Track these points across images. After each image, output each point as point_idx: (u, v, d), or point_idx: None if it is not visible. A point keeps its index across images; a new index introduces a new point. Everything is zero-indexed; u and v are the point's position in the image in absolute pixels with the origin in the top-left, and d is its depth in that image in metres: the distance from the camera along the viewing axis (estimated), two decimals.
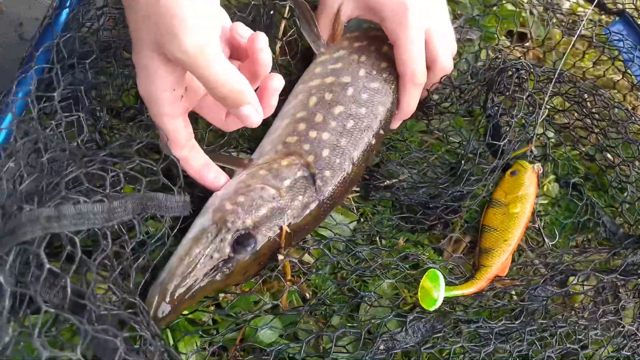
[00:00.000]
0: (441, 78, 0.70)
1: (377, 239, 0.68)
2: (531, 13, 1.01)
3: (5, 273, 0.39)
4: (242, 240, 0.55)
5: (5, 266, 0.39)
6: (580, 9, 0.99)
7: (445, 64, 0.69)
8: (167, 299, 0.51)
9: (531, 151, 0.73)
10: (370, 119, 0.65)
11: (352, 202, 0.70)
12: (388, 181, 0.71)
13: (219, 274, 0.55)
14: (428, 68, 0.67)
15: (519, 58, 0.85)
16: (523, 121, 0.73)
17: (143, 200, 0.49)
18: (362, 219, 0.69)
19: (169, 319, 0.52)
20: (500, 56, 0.84)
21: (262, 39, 0.52)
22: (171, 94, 0.52)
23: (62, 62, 0.55)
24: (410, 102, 0.68)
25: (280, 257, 0.58)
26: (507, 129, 0.71)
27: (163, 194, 0.51)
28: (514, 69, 0.72)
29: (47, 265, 0.39)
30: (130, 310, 0.44)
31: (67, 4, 0.59)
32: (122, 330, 0.42)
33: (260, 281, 0.59)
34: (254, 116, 0.52)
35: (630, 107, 0.91)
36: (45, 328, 0.42)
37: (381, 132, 0.67)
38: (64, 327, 0.48)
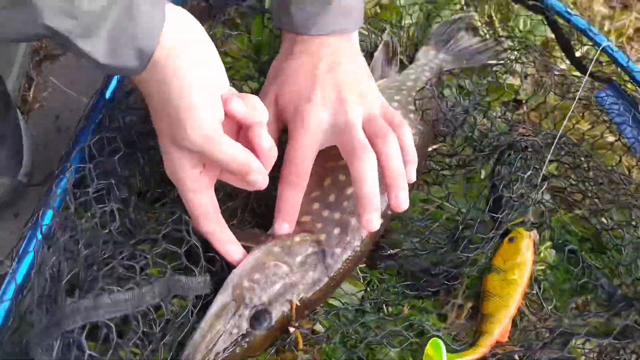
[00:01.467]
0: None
1: (384, 306, 0.72)
2: (525, 77, 1.07)
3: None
4: (258, 316, 0.60)
5: (53, 353, 0.45)
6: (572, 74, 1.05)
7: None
8: None
9: (528, 219, 0.78)
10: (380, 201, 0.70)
11: (359, 272, 0.75)
12: (391, 250, 0.76)
13: (238, 348, 0.59)
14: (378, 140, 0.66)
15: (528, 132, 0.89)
16: (522, 191, 0.78)
17: (169, 284, 0.54)
18: (368, 288, 0.74)
19: None
20: (511, 127, 0.90)
21: (264, 138, 0.59)
22: (191, 172, 0.59)
23: (93, 160, 0.62)
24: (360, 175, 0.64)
25: (292, 329, 0.63)
26: (507, 200, 0.76)
27: (185, 277, 0.57)
28: (521, 147, 0.77)
29: (88, 352, 0.45)
30: None
31: (101, 105, 0.67)
32: None
33: (274, 352, 0.64)
34: (261, 182, 0.60)
35: (625, 168, 0.96)
36: None
37: (389, 212, 0.72)
38: None
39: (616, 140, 0.97)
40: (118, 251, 0.57)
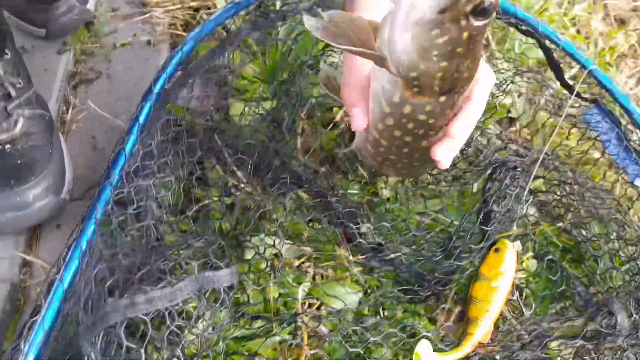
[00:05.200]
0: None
1: (381, 309, 0.81)
2: (518, 96, 1.15)
3: (97, 351, 0.54)
4: None
5: (97, 346, 0.55)
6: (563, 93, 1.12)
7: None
8: None
9: (513, 232, 0.86)
10: None
11: (360, 275, 0.84)
12: (390, 255, 0.84)
13: None
14: None
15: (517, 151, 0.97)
16: (509, 207, 0.87)
17: (198, 280, 0.64)
18: (368, 290, 0.83)
19: None
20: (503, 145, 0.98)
21: None
22: None
23: (129, 179, 0.72)
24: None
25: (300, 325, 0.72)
26: (496, 214, 0.84)
27: (212, 272, 0.66)
28: (512, 167, 0.86)
29: (126, 343, 0.54)
30: None
31: (136, 129, 0.76)
32: None
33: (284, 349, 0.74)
34: None
35: (609, 183, 1.04)
36: None
37: None
38: None
39: (601, 156, 1.05)
40: (153, 256, 0.66)
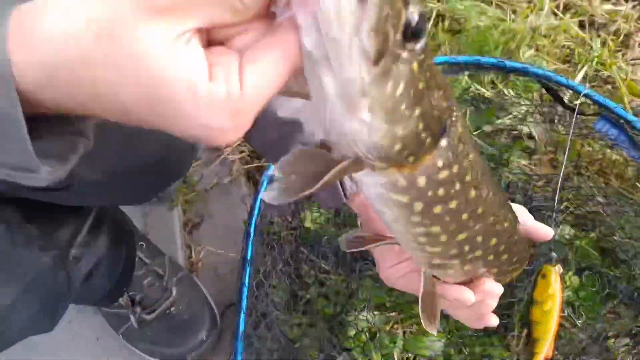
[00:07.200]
0: None
1: (463, 348, 1.04)
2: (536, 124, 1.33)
3: None
4: None
5: None
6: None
7: None
8: None
9: (554, 259, 1.05)
10: None
11: (439, 324, 1.06)
12: None
13: None
14: None
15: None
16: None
17: None
18: (449, 336, 1.05)
19: None
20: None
21: None
22: None
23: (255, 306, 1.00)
24: None
25: None
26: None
27: None
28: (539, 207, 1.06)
29: None
30: None
31: (246, 266, 1.05)
32: None
33: None
34: None
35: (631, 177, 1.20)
36: None
37: None
38: None
39: (620, 157, 1.21)
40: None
